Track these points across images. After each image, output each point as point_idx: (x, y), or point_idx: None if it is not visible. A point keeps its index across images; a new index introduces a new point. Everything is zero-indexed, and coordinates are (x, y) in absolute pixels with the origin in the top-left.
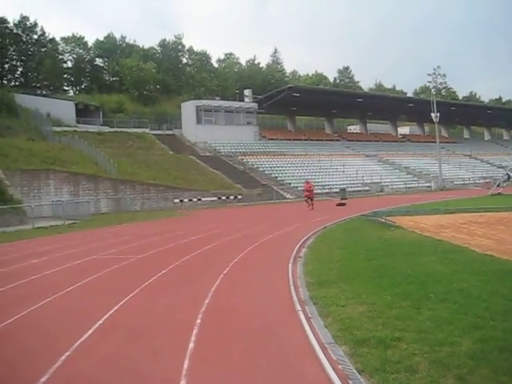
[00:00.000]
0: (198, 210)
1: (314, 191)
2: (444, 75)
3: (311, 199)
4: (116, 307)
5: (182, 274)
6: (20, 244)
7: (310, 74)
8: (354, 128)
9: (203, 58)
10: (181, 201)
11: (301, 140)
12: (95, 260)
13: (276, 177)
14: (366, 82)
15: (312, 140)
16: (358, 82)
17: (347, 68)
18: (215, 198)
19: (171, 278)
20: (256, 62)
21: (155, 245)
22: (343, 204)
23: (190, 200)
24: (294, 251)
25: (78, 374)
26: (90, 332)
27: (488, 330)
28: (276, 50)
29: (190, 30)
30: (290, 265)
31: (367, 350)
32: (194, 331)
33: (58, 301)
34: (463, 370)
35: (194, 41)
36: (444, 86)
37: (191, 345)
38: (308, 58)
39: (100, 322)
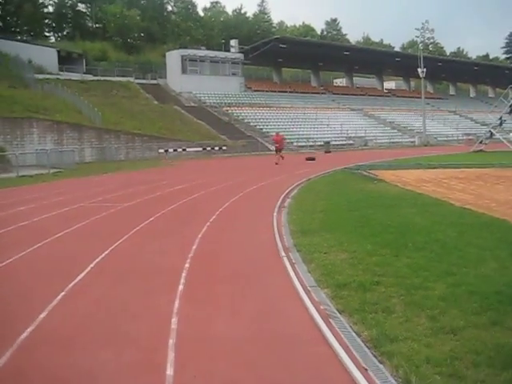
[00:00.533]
0: (183, 160)
1: (285, 142)
2: (432, 30)
3: (280, 151)
4: (106, 252)
5: (169, 221)
6: (6, 192)
7: (298, 26)
8: (340, 81)
9: (189, 6)
10: (165, 151)
11: (286, 92)
12: (82, 207)
13: (261, 128)
14: (353, 35)
15: (298, 92)
16: (345, 34)
17: (335, 20)
18: (200, 149)
19: (158, 225)
20: (242, 12)
21: (141, 193)
22: (313, 159)
23: (175, 150)
24: (279, 201)
25: (74, 313)
26: (82, 275)
27: (460, 276)
28: None
29: None
30: (275, 214)
31: (347, 292)
32: (183, 274)
33: (49, 246)
34: (435, 310)
35: None
36: (432, 41)
37: (180, 287)
38: (295, 9)
39: (91, 265)
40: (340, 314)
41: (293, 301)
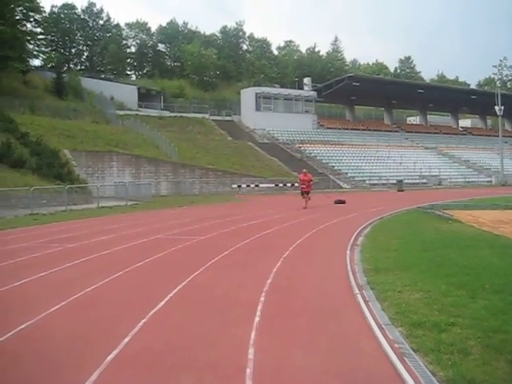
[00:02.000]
0: (255, 195)
1: (313, 183)
2: (511, 67)
3: (307, 193)
4: (184, 283)
5: (244, 255)
6: (88, 222)
7: (371, 64)
8: (414, 119)
9: (263, 45)
10: (238, 186)
11: (359, 130)
12: (159, 239)
13: (333, 166)
14: (427, 73)
15: (370, 130)
16: (419, 72)
17: (409, 58)
18: (272, 185)
19: (233, 259)
20: (316, 50)
21: (216, 227)
22: (342, 202)
23: (248, 186)
24: (352, 239)
25: (156, 338)
26: (162, 303)
27: None
28: (336, 38)
29: (250, 17)
30: (348, 251)
31: (422, 332)
32: (259, 307)
33: (129, 275)
34: None
35: (255, 28)
36: (510, 78)
37: (256, 319)
38: (369, 47)
39: (170, 295)
40: (415, 352)
41: (367, 337)
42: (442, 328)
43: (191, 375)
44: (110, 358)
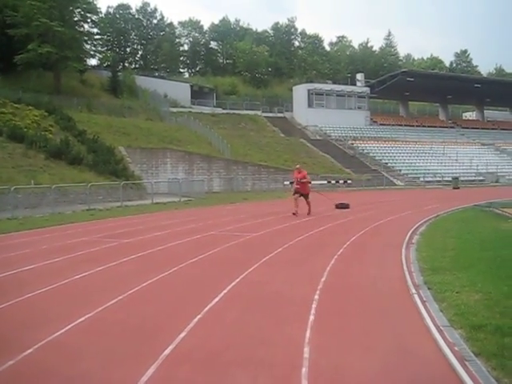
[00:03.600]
0: None
1: (310, 183)
2: None
3: (304, 196)
4: (238, 280)
5: (297, 253)
6: (142, 217)
7: (425, 58)
8: (470, 115)
9: (315, 41)
10: (291, 183)
11: (413, 126)
12: (213, 236)
13: (386, 163)
14: (484, 67)
15: (425, 126)
16: (476, 66)
17: (465, 51)
18: (324, 182)
19: (287, 256)
20: (369, 45)
21: (269, 224)
22: (346, 207)
23: None
24: (407, 237)
25: (211, 334)
26: (216, 300)
27: None
28: (390, 32)
29: (302, 13)
30: (403, 250)
31: (484, 335)
32: (313, 305)
33: (184, 270)
34: None
35: (307, 24)
36: None
37: (311, 317)
38: (423, 42)
39: (224, 291)
40: (476, 357)
41: (425, 339)
42: (505, 332)
43: (246, 373)
44: (166, 352)
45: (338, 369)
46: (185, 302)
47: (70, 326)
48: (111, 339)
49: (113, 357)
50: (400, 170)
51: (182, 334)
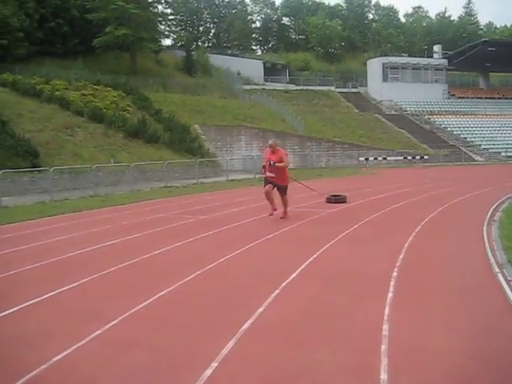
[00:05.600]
0: (383, 168)
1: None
2: None
3: (280, 190)
4: (315, 255)
5: (374, 229)
6: (218, 194)
7: (509, 26)
8: None
9: (390, 12)
10: (366, 159)
11: (494, 99)
12: (290, 211)
13: (465, 138)
14: None
15: (507, 99)
16: None
17: None
18: (400, 158)
19: (364, 232)
20: (447, 15)
21: None
22: (341, 200)
23: (375, 159)
24: (488, 214)
25: (289, 310)
26: (293, 275)
27: None
28: (469, 0)
29: None
30: (485, 227)
31: None
32: (391, 282)
33: (261, 246)
34: None
35: None
36: None
37: (390, 294)
38: (507, 8)
39: (302, 267)
40: None
41: (511, 319)
42: None
43: (325, 349)
44: (245, 327)
45: (418, 348)
46: (262, 278)
47: (151, 300)
48: (191, 313)
49: (193, 330)
50: (480, 145)
51: (260, 309)
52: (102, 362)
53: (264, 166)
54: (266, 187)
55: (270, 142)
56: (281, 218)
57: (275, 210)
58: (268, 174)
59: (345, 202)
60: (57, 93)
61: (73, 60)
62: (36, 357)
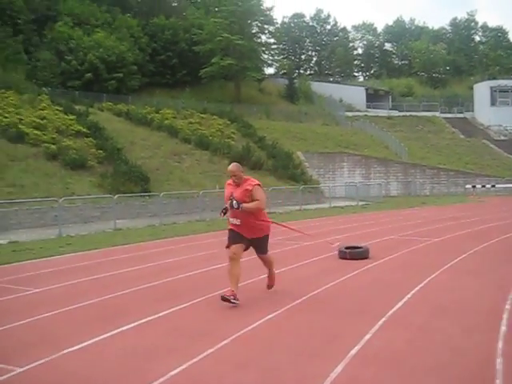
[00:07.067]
0: (491, 196)
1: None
2: None
3: (256, 245)
4: (422, 284)
5: (483, 259)
6: (321, 221)
7: None
8: None
9: (499, 33)
10: (473, 187)
11: None
12: (393, 240)
13: None
14: None
15: None
16: None
17: None
18: (510, 185)
19: (472, 262)
20: None
21: (451, 229)
22: (360, 256)
23: (483, 186)
24: None
25: (397, 337)
26: (400, 304)
27: None
28: None
29: (483, 5)
30: None
31: None
32: (504, 315)
33: (364, 273)
34: None
35: (489, 16)
36: None
37: (503, 328)
38: None
39: (408, 295)
40: None
41: None
42: None
43: (435, 379)
44: (352, 352)
45: None
46: (369, 305)
47: (262, 320)
48: (299, 336)
49: (301, 352)
50: None
51: (368, 336)
52: (215, 378)
53: (225, 209)
54: (232, 248)
55: (229, 167)
56: (268, 286)
57: (234, 294)
58: (231, 220)
59: (367, 257)
60: (166, 121)
61: (181, 90)
62: (155, 370)
